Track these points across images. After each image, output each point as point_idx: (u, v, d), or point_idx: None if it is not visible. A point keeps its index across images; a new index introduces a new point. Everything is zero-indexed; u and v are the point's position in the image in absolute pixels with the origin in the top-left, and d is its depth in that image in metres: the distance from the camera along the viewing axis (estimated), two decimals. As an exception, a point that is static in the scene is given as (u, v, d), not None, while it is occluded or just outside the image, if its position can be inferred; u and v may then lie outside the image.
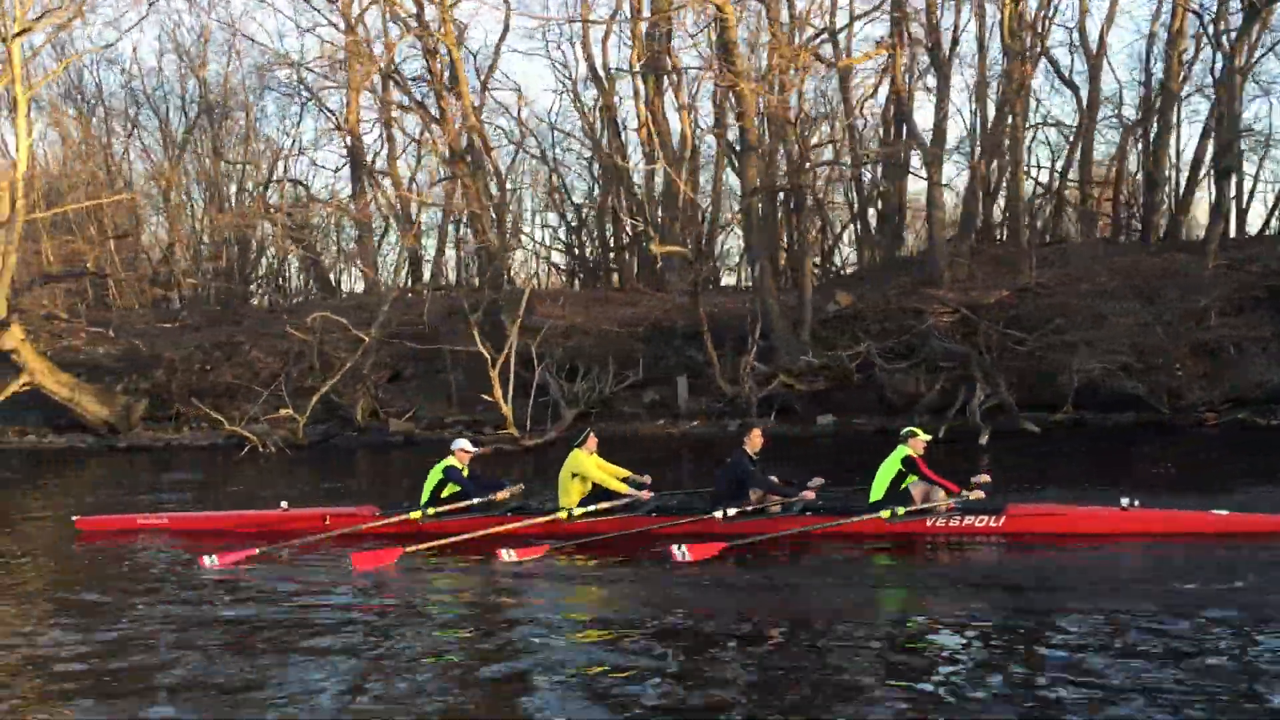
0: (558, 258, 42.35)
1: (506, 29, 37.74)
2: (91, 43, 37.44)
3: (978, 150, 28.66)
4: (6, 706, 6.12)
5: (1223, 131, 27.06)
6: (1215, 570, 8.67)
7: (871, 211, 35.74)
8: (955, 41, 27.35)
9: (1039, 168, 34.39)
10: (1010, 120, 27.04)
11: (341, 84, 34.27)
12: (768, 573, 9.31)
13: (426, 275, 36.48)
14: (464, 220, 36.10)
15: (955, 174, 33.20)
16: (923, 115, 41.85)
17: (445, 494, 11.45)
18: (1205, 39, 29.36)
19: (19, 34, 24.18)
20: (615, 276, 36.86)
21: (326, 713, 5.85)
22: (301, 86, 36.33)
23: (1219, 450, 19.28)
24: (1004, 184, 31.08)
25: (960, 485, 10.28)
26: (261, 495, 15.78)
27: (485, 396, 23.40)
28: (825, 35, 26.61)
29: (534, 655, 6.83)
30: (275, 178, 39.29)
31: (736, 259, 41.49)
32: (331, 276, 41.16)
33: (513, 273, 35.36)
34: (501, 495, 11.45)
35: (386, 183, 36.90)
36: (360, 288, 40.54)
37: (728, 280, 39.64)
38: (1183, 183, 31.35)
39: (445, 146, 27.68)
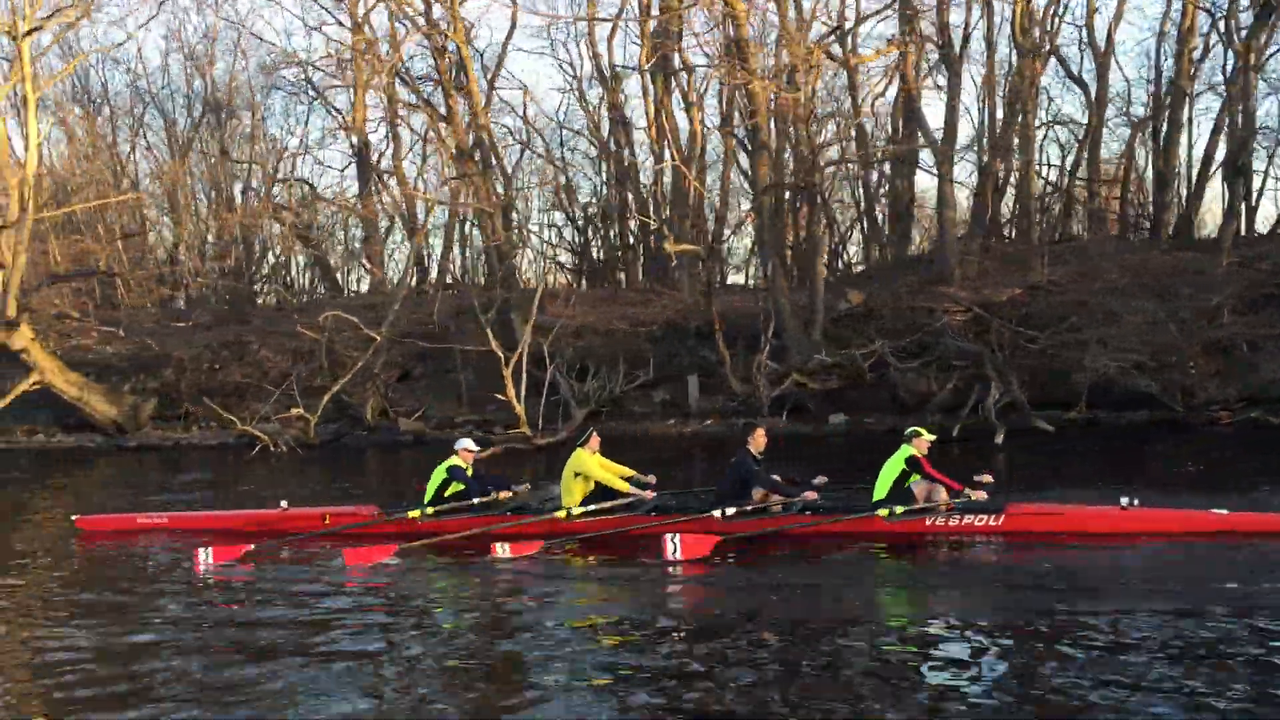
0: (564, 257, 42.31)
1: (513, 27, 37.76)
2: (98, 42, 37.53)
3: (986, 148, 28.49)
4: (4, 706, 6.10)
5: (1236, 130, 26.97)
6: (1215, 569, 8.67)
7: (879, 210, 35.72)
8: (966, 39, 27.28)
9: (1049, 166, 34.32)
10: (1022, 118, 26.94)
11: (348, 83, 34.26)
12: (766, 572, 9.31)
13: (433, 274, 36.47)
14: (472, 219, 36.16)
15: (967, 173, 33.09)
16: (930, 113, 41.86)
17: (449, 493, 11.47)
18: (1216, 36, 29.29)
19: (29, 33, 24.15)
20: (623, 276, 36.77)
21: (325, 712, 5.83)
22: (308, 85, 36.35)
23: (1233, 449, 19.20)
24: (1013, 182, 31.05)
25: (963, 485, 10.28)
26: (274, 494, 15.61)
27: (499, 396, 23.35)
28: (836, 33, 26.45)
29: (530, 654, 6.84)
30: (281, 177, 39.23)
31: (742, 258, 41.54)
32: (339, 276, 41.14)
33: (521, 272, 35.33)
34: (504, 495, 11.48)
35: (393, 182, 36.90)
36: (365, 286, 40.64)
37: (733, 279, 39.60)
38: (1193, 180, 31.21)
39: (454, 145, 27.58)
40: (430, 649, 7.12)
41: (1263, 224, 32.73)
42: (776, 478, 10.92)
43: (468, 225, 38.27)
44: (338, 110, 37.52)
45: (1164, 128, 29.88)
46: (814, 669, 6.36)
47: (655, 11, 29.59)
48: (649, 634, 7.24)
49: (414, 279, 31.88)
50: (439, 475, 11.49)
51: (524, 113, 36.83)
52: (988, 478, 10.55)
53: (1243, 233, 29.47)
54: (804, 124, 25.59)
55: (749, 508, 10.61)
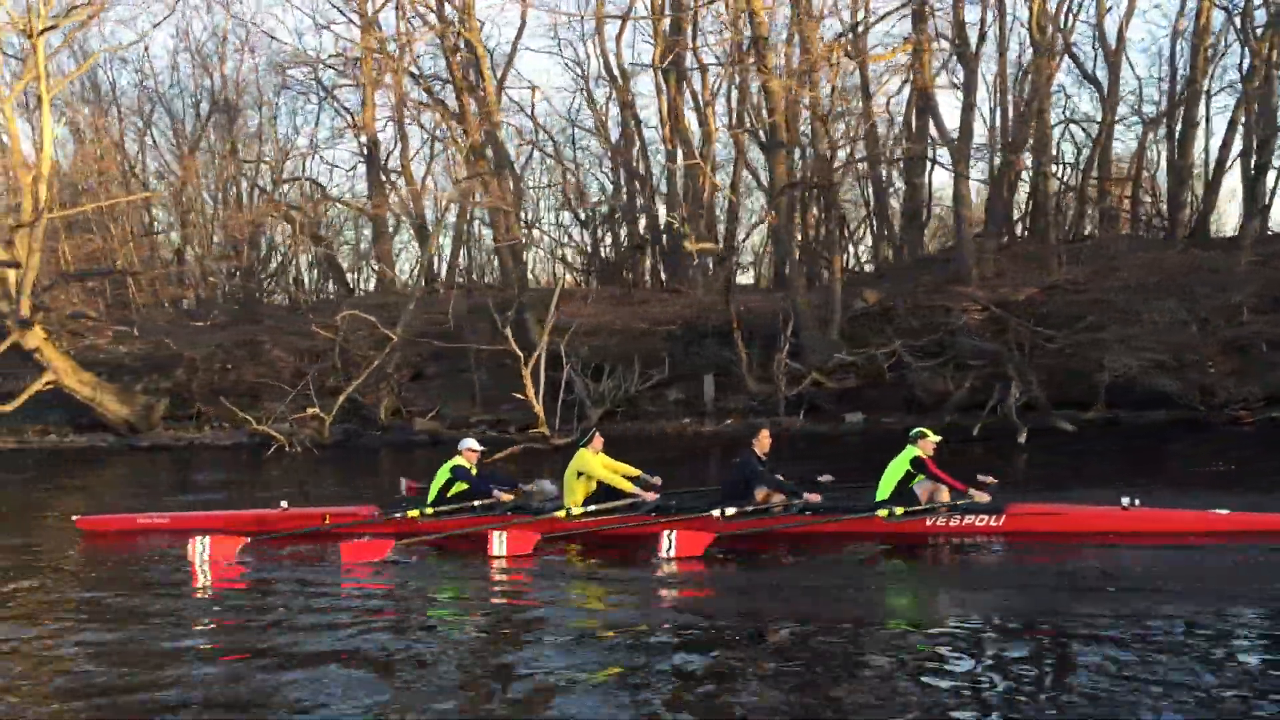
0: (572, 257, 42.23)
1: (523, 26, 37.56)
2: (106, 41, 37.48)
3: (1000, 147, 28.40)
4: (4, 707, 6.05)
5: (1256, 128, 26.87)
6: (1216, 569, 8.67)
7: (890, 209, 35.61)
8: (982, 37, 27.17)
9: (1064, 165, 34.19)
10: (1040, 116, 26.84)
11: (358, 81, 34.23)
12: (766, 572, 9.30)
13: (442, 274, 36.38)
14: (482, 219, 36.14)
15: (979, 172, 32.92)
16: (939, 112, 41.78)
17: (452, 493, 11.45)
18: (1233, 33, 29.19)
19: (44, 31, 24.10)
20: (629, 275, 36.69)
21: (325, 712, 5.78)
22: (318, 84, 36.33)
23: (1254, 448, 19.11)
24: (1025, 180, 30.98)
25: (966, 485, 10.24)
26: (288, 494, 15.69)
27: (517, 395, 23.27)
28: (853, 32, 26.37)
29: (528, 654, 6.82)
30: (290, 176, 39.20)
31: (750, 257, 41.49)
32: (350, 277, 41.09)
33: (533, 272, 35.34)
34: (506, 496, 11.44)
35: (402, 181, 36.91)
36: (371, 285, 40.63)
37: (743, 278, 39.50)
38: (1209, 179, 31.08)
39: (467, 145, 27.51)
40: (428, 649, 7.09)
41: (1276, 222, 32.62)
42: (780, 478, 10.89)
43: (476, 225, 38.39)
44: (348, 110, 37.57)
45: (1179, 126, 29.76)
46: (815, 669, 6.34)
47: (669, 10, 29.46)
48: (648, 634, 7.22)
49: (420, 279, 31.79)
50: (442, 475, 11.49)
51: (532, 112, 36.92)
52: (991, 479, 10.52)
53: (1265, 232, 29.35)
54: (823, 123, 25.48)
55: (750, 508, 10.59)
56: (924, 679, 6.10)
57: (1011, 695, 5.73)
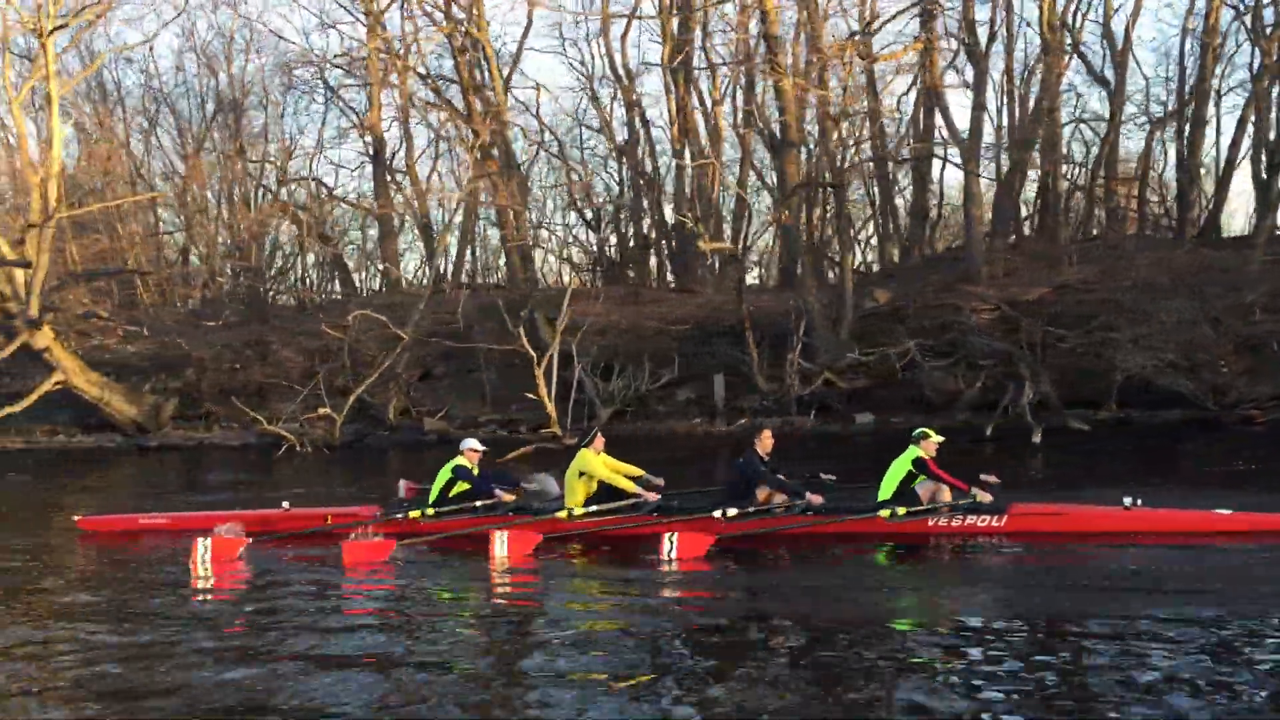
0: (578, 256, 42.21)
1: (529, 25, 37.49)
2: (111, 42, 37.48)
3: (1009, 145, 28.38)
4: (3, 709, 6.03)
5: (1263, 127, 26.83)
6: (1218, 570, 8.63)
7: (896, 208, 35.59)
8: (992, 37, 27.14)
9: (1073, 164, 34.14)
10: (1050, 115, 26.80)
11: (364, 81, 34.22)
12: (768, 572, 9.26)
13: (448, 274, 36.36)
14: (489, 219, 36.13)
15: (988, 171, 32.84)
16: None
17: (453, 493, 11.40)
18: (1244, 32, 29.12)
19: (54, 30, 24.05)
20: (636, 276, 36.64)
21: (328, 713, 5.75)
22: (324, 84, 36.34)
23: (1266, 448, 19.04)
24: (1033, 179, 30.93)
25: (969, 485, 10.20)
26: (301, 495, 15.66)
27: (530, 396, 23.24)
28: (865, 31, 26.31)
29: (531, 655, 6.81)
30: (296, 176, 39.18)
31: (755, 256, 41.45)
32: (358, 277, 41.10)
33: (541, 272, 35.28)
34: (509, 496, 11.39)
35: (406, 180, 36.89)
36: (375, 285, 40.63)
37: (748, 278, 39.45)
38: (1219, 178, 31.03)
39: (477, 144, 27.49)
40: (431, 649, 7.06)
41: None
42: (782, 478, 10.86)
43: (482, 225, 38.38)
44: (353, 109, 37.55)
45: (1188, 125, 29.72)
46: (818, 670, 6.32)
47: (678, 10, 29.42)
48: (651, 635, 7.17)
49: (424, 277, 31.77)
50: (444, 475, 11.44)
51: (536, 112, 36.87)
52: (993, 478, 10.46)
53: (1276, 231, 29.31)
54: (834, 122, 25.45)
55: (751, 508, 10.54)
56: (926, 680, 6.07)
57: (1015, 695, 5.71)
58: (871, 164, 31.56)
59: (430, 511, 11.29)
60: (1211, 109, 30.87)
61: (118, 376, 28.14)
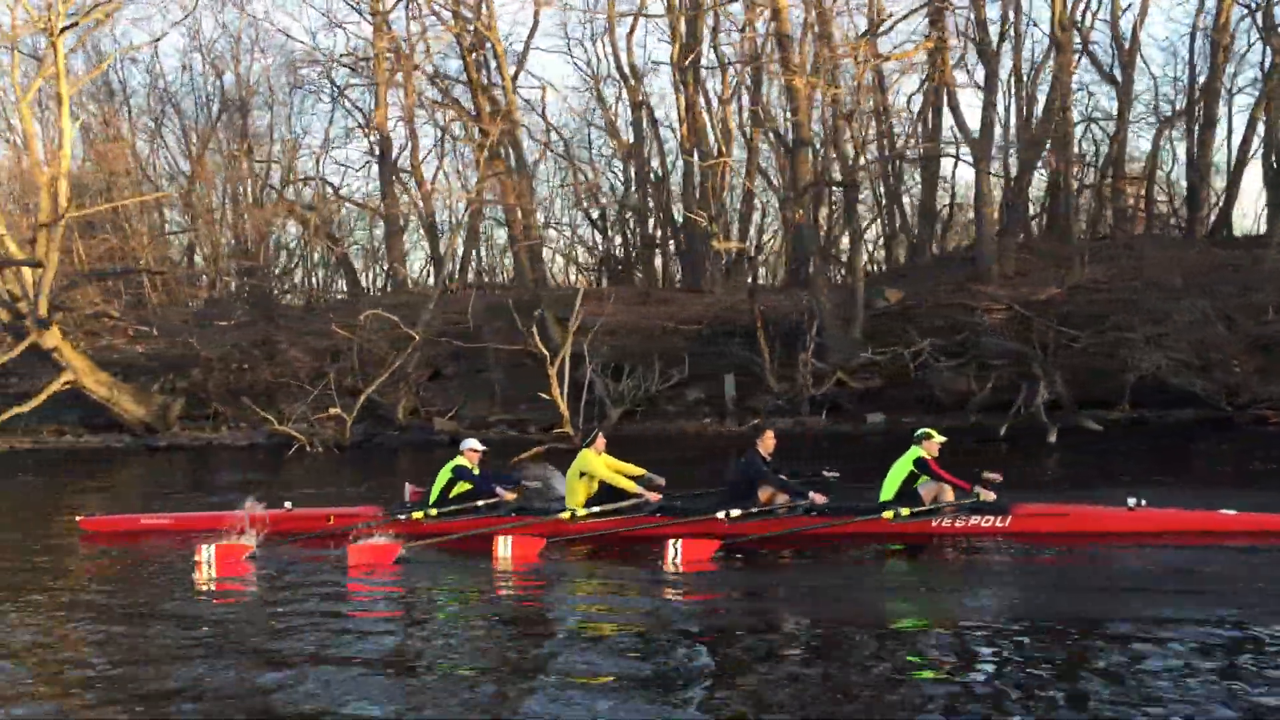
0: (584, 256, 42.18)
1: (536, 25, 37.44)
2: (117, 42, 37.43)
3: (1021, 144, 28.29)
4: (3, 710, 5.99)
5: (1275, 126, 26.76)
6: (1223, 570, 8.63)
7: (904, 208, 35.55)
8: (1003, 35, 27.06)
9: (1085, 163, 34.05)
10: (1064, 115, 26.74)
11: (371, 80, 34.18)
12: (772, 573, 9.22)
13: (455, 274, 36.31)
14: (496, 218, 36.06)
15: (998, 170, 32.74)
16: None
17: (454, 493, 11.36)
18: (1254, 29, 29.07)
19: (64, 29, 24.00)
20: (643, 275, 36.59)
21: (333, 714, 5.72)
22: (330, 84, 36.31)
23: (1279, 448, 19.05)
24: (1041, 178, 30.89)
25: (971, 484, 10.17)
26: (313, 495, 15.66)
27: (543, 396, 23.17)
28: (876, 30, 26.25)
29: (535, 656, 6.78)
30: (303, 176, 39.17)
31: (761, 256, 41.32)
32: (365, 277, 41.08)
33: (551, 272, 35.24)
34: (510, 495, 11.35)
35: (412, 181, 36.82)
36: (379, 284, 40.59)
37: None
38: (1229, 177, 30.98)
39: (489, 144, 27.43)
40: (434, 650, 7.04)
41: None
42: (784, 477, 10.83)
43: (487, 225, 38.32)
44: (359, 109, 37.54)
45: (1198, 124, 29.66)
46: (824, 670, 6.30)
47: (688, 8, 29.35)
48: (655, 637, 7.15)
49: (427, 276, 31.72)
50: (444, 475, 11.40)
51: (543, 111, 36.83)
52: (996, 476, 10.44)
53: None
54: (846, 121, 25.39)
55: (754, 509, 10.49)
56: (930, 681, 6.07)
57: (1020, 696, 5.71)
58: (877, 164, 31.53)
59: (433, 512, 11.24)
60: (1222, 108, 30.86)
61: (125, 376, 28.08)
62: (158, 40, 40.27)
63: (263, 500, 12.08)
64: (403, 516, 11.25)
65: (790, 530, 10.24)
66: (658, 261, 37.36)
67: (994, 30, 27.54)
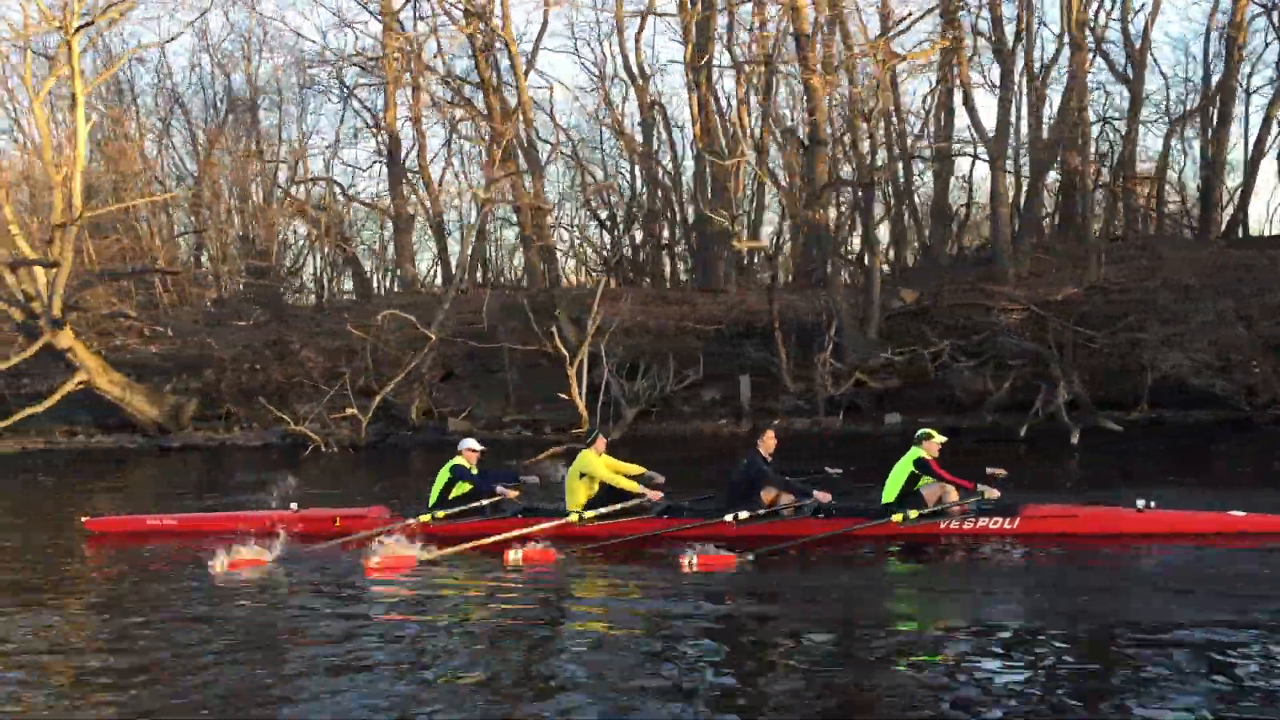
0: (593, 257, 42.08)
1: (545, 25, 37.37)
2: (126, 43, 37.37)
3: (1036, 144, 28.21)
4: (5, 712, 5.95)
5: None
6: (1231, 571, 8.62)
7: (915, 208, 35.47)
8: (1019, 34, 26.99)
9: (1100, 164, 33.98)
10: (1080, 114, 26.67)
11: (382, 79, 34.14)
12: (780, 576, 9.17)
13: (457, 275, 36.22)
14: (506, 218, 36.01)
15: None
16: (962, 110, 41.61)
17: (454, 494, 11.31)
18: (1270, 27, 29.01)
19: (80, 28, 23.97)
20: (650, 277, 36.54)
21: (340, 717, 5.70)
22: (340, 83, 36.28)
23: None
24: (1055, 178, 30.78)
25: (974, 482, 10.11)
26: (333, 495, 15.60)
27: (561, 396, 23.11)
28: (893, 30, 26.21)
29: (546, 658, 6.77)
30: (311, 176, 39.13)
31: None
32: (375, 278, 41.05)
33: (564, 271, 35.20)
34: (512, 492, 11.27)
35: (420, 181, 36.82)
36: (388, 284, 40.55)
37: (764, 278, 39.25)
38: (1244, 177, 30.91)
39: (503, 144, 27.38)
40: (443, 652, 7.03)
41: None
42: (788, 478, 10.79)
43: (495, 225, 38.29)
44: (368, 109, 37.49)
45: (1213, 123, 29.59)
46: (831, 673, 6.31)
47: (701, 8, 29.30)
48: (665, 639, 7.13)
49: (461, 278, 31.64)
50: (443, 476, 11.36)
51: (551, 112, 36.79)
52: (1001, 471, 10.46)
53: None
54: (865, 120, 25.34)
55: (761, 511, 10.43)
56: (937, 682, 6.07)
57: (1028, 697, 5.71)
58: (892, 163, 31.42)
59: (440, 514, 11.17)
60: (1239, 108, 30.79)
61: (138, 377, 28.03)
62: (171, 40, 40.23)
63: (292, 500, 12.12)
64: (411, 520, 11.14)
65: (803, 540, 10.10)
66: (666, 262, 37.31)
67: (1009, 30, 27.46)
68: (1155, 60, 34.46)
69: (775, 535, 10.15)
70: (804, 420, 23.30)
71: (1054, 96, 30.86)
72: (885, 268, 35.88)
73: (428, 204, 36.95)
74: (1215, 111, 29.65)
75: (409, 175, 36.84)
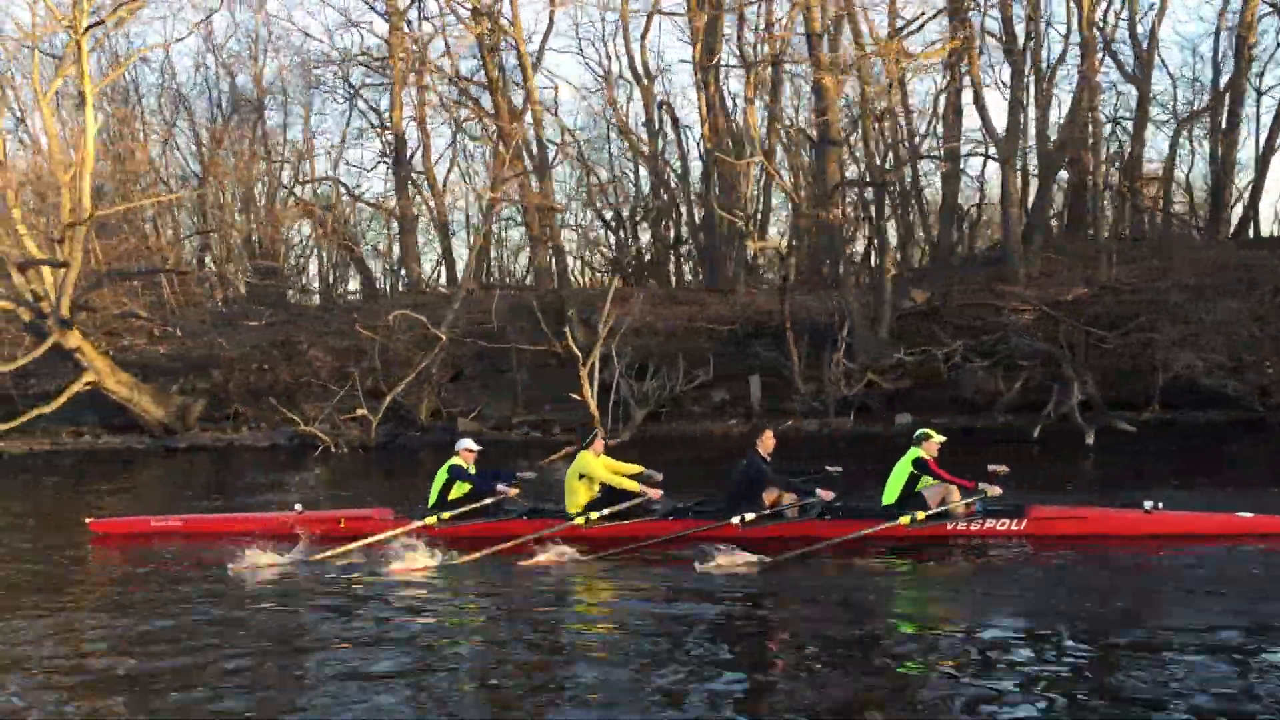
0: (600, 259, 42.06)
1: (551, 26, 37.29)
2: (131, 43, 37.34)
3: (1050, 144, 28.16)
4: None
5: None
6: (1239, 573, 8.63)
7: (923, 208, 35.40)
8: (1029, 34, 26.93)
9: (1108, 163, 33.95)
10: (1092, 114, 26.62)
11: (388, 79, 34.11)
12: (786, 577, 9.15)
13: (469, 275, 36.19)
14: (515, 218, 35.98)
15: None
16: (971, 110, 41.56)
17: (453, 495, 11.26)
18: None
19: (89, 28, 23.92)
20: (655, 278, 36.48)
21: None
22: (346, 83, 36.26)
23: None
24: (1063, 178, 30.71)
25: (975, 481, 10.10)
26: (342, 496, 15.57)
27: (574, 396, 23.03)
28: (903, 30, 26.15)
29: (547, 658, 6.79)
30: (319, 177, 39.10)
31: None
32: (381, 279, 41.03)
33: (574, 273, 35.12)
34: (513, 491, 11.23)
35: (424, 181, 36.80)
36: (389, 284, 40.50)
37: (770, 278, 39.19)
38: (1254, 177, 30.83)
39: (513, 145, 27.33)
40: (450, 654, 7.01)
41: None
42: (790, 479, 10.79)
43: (502, 225, 38.25)
44: (374, 109, 37.48)
45: (1223, 123, 29.53)
46: (839, 674, 6.31)
47: (710, 7, 29.24)
48: (672, 641, 7.10)
49: (470, 277, 31.61)
50: (441, 477, 11.32)
51: (556, 112, 36.79)
52: (1002, 468, 10.41)
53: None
54: (878, 120, 25.29)
55: (767, 512, 10.40)
56: (945, 683, 6.07)
57: (1035, 699, 5.70)
58: (904, 163, 31.37)
59: (445, 516, 11.09)
60: (1248, 108, 30.72)
61: (144, 377, 27.95)
62: (181, 40, 39.98)
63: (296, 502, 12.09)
64: (418, 523, 11.08)
65: (813, 549, 9.97)
66: (672, 262, 37.25)
67: (1020, 30, 27.39)
68: (1163, 60, 34.38)
69: (783, 537, 10.10)
70: (814, 421, 23.22)
71: (1061, 96, 30.92)
72: (893, 268, 36.04)
73: (431, 204, 36.93)
74: (1225, 111, 29.57)
75: (414, 176, 36.83)
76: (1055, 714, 5.46)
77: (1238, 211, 31.18)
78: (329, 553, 10.25)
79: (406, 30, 32.95)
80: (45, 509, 16.16)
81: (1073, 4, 27.67)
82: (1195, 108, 32.06)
